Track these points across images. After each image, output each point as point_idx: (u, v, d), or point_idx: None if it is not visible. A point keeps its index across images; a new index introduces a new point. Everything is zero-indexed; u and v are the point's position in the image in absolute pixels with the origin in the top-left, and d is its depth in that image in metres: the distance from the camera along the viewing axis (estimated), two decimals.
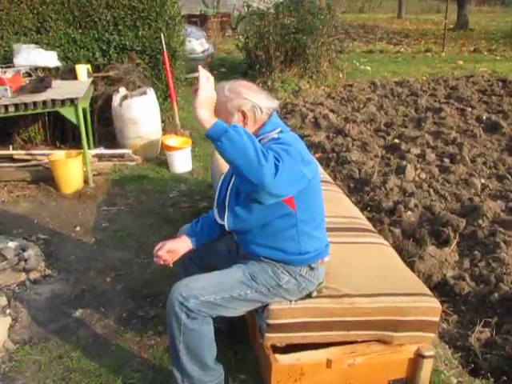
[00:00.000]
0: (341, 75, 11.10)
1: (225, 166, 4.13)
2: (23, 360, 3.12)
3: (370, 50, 14.99)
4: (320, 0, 11.59)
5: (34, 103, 5.04)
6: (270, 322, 2.67)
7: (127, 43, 6.44)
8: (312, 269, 2.67)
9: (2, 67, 5.94)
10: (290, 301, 2.69)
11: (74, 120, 5.20)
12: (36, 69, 5.99)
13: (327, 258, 2.75)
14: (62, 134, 6.72)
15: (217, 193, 2.85)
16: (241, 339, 3.20)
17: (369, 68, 12.30)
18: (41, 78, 5.50)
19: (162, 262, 2.81)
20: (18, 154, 5.93)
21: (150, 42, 6.50)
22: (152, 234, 4.55)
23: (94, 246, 4.43)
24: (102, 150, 6.02)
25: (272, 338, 2.72)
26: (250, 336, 3.17)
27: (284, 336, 2.73)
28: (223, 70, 11.47)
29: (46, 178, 5.60)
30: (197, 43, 9.83)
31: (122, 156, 5.99)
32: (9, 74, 5.65)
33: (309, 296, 2.73)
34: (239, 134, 2.16)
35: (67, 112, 5.16)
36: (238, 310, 2.66)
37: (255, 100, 2.53)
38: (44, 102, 5.06)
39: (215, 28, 15.30)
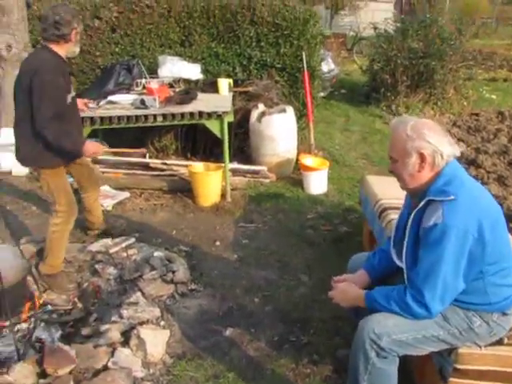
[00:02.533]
0: (465, 103, 10.67)
1: (381, 194, 3.98)
2: (181, 375, 3.07)
3: (493, 78, 14.38)
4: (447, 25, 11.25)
5: (182, 114, 5.07)
6: (459, 366, 2.48)
7: (268, 60, 6.41)
8: (505, 314, 2.46)
9: (145, 77, 6.06)
10: (480, 346, 2.48)
11: (218, 133, 5.19)
12: (178, 80, 6.05)
13: None
14: (193, 145, 6.77)
15: (393, 231, 2.72)
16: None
17: (494, 97, 11.77)
18: (186, 90, 5.54)
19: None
20: (154, 162, 6.00)
21: (290, 59, 6.43)
22: (295, 256, 4.44)
23: (236, 263, 4.36)
24: (237, 165, 5.98)
25: (456, 383, 2.53)
26: (415, 377, 2.98)
27: (468, 382, 2.53)
28: (343, 91, 11.30)
29: (182, 188, 5.62)
30: (323, 63, 9.72)
31: (256, 172, 5.93)
32: (154, 84, 5.74)
33: (499, 343, 2.51)
34: (376, 304, 2.45)
35: (212, 125, 5.15)
36: (424, 350, 2.49)
37: (438, 145, 2.36)
38: (191, 114, 5.08)
39: (333, 49, 15.20)
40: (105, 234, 4.74)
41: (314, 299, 3.82)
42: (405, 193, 2.69)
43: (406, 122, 2.41)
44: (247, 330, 3.50)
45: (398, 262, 2.60)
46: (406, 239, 2.47)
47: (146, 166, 6.02)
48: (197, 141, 6.71)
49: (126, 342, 3.20)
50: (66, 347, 3.07)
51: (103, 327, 3.26)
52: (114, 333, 3.20)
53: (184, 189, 5.59)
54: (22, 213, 5.41)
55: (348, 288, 2.66)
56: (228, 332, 3.48)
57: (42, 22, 3.79)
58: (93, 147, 3.93)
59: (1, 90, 6.67)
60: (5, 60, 6.44)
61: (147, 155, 6.37)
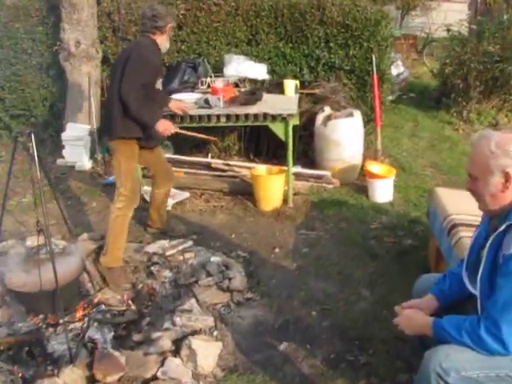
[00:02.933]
0: None
1: (451, 208, 3.75)
2: None
3: None
4: None
5: (246, 116, 4.96)
6: None
7: (336, 61, 6.22)
8: None
9: (210, 76, 5.98)
10: None
11: (282, 136, 5.04)
12: (244, 80, 5.95)
13: None
14: (256, 146, 6.65)
15: (467, 253, 2.50)
16: None
17: None
18: (252, 91, 5.42)
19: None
20: (216, 162, 5.92)
21: (359, 62, 6.22)
22: (356, 268, 4.24)
23: (295, 272, 4.20)
24: (300, 169, 5.82)
25: None
26: None
27: None
28: (412, 95, 10.97)
29: (243, 190, 5.51)
30: (392, 66, 9.41)
31: (319, 177, 5.75)
32: (219, 83, 5.65)
33: None
34: (445, 335, 2.23)
35: (276, 128, 5.01)
36: None
37: None
38: (255, 116, 4.95)
39: (403, 50, 14.77)
40: (163, 233, 4.71)
41: (374, 316, 3.63)
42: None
43: (490, 137, 2.20)
44: (303, 346, 3.34)
45: (470, 289, 2.39)
46: (482, 264, 2.25)
47: (208, 166, 5.95)
48: (260, 142, 6.60)
49: (176, 352, 3.10)
50: (117, 353, 3.00)
51: (155, 334, 3.18)
52: (166, 341, 3.11)
53: (245, 191, 5.47)
54: (82, 208, 5.42)
55: (414, 315, 2.46)
56: (283, 346, 3.34)
57: (141, 19, 4.19)
58: (164, 124, 4.09)
59: (68, 85, 6.74)
60: (73, 56, 6.49)
61: (209, 155, 6.30)
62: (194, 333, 3.25)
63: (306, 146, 6.25)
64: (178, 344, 3.15)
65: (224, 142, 6.58)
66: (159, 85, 5.52)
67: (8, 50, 6.98)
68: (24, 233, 4.91)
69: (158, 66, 4.29)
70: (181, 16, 6.38)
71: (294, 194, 5.42)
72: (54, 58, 6.90)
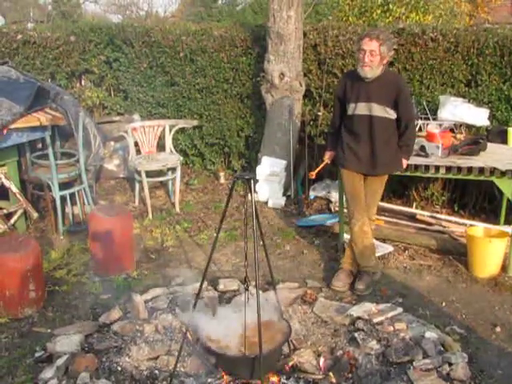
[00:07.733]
0: None
1: None
2: None
3: None
4: None
5: (469, 168, 4.37)
6: None
7: None
8: None
9: (420, 118, 5.46)
10: None
11: (509, 195, 4.40)
12: (460, 125, 5.35)
13: None
14: (462, 197, 5.99)
15: None
16: None
17: None
18: (475, 139, 4.80)
19: None
20: (422, 214, 5.35)
21: None
22: None
23: None
24: None
25: None
26: None
27: None
28: None
29: (453, 250, 4.88)
30: None
31: None
32: (433, 127, 5.11)
33: None
34: None
35: (504, 185, 4.37)
36: None
37: None
38: (481, 169, 4.35)
39: None
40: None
41: None
42: None
43: None
44: None
45: None
46: None
47: (410, 217, 5.41)
48: (466, 192, 5.94)
49: None
50: None
51: None
52: None
53: (455, 251, 4.85)
54: (275, 251, 5.13)
55: None
56: None
57: None
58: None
59: (266, 117, 6.56)
60: (276, 88, 6.30)
61: (414, 204, 5.74)
62: None
63: None
64: None
65: (427, 191, 6.00)
66: None
67: (210, 79, 6.96)
68: (215, 272, 4.71)
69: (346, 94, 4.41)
70: (393, 51, 5.92)
71: None
72: (254, 88, 6.76)
